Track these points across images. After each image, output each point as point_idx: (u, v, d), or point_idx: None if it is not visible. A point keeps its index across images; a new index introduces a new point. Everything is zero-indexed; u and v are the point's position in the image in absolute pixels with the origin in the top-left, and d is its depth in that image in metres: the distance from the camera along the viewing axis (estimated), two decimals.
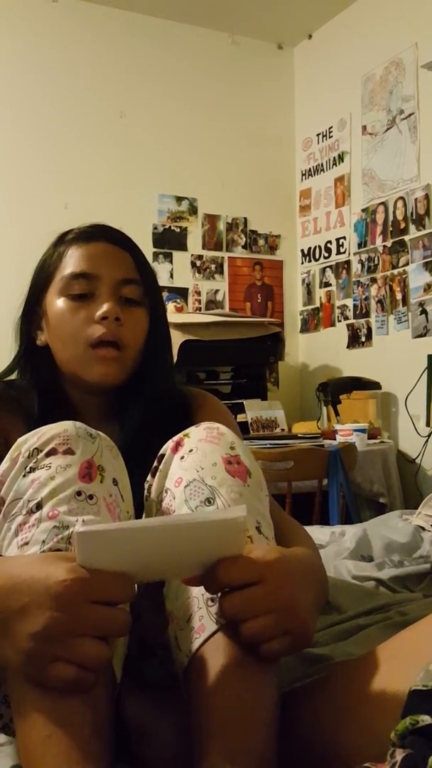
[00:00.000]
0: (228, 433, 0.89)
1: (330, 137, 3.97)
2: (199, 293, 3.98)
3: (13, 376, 1.14)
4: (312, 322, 4.11)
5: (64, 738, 0.66)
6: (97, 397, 1.10)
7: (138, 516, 0.91)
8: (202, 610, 0.76)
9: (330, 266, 3.97)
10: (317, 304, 4.07)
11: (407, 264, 3.40)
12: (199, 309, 3.94)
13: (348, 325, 3.80)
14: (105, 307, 1.03)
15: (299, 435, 3.05)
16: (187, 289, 3.94)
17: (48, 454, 0.81)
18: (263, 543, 0.81)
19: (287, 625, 0.72)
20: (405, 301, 3.41)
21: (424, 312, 3.30)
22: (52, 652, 0.66)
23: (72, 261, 1.07)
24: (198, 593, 0.77)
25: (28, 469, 0.80)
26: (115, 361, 1.04)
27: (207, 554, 0.71)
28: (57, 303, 1.06)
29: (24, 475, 0.80)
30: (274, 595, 0.71)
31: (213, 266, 4.02)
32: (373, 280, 3.62)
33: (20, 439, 0.84)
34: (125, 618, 0.70)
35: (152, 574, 0.75)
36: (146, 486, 0.92)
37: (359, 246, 3.73)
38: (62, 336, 1.06)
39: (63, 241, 1.10)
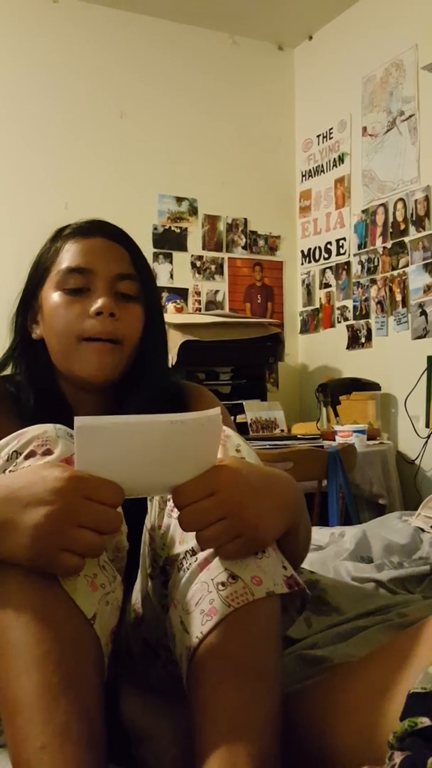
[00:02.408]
0: (234, 436, 0.91)
1: (330, 138, 3.97)
2: (199, 294, 3.98)
3: (8, 371, 1.13)
4: (312, 323, 4.11)
5: (58, 749, 0.66)
6: (94, 394, 1.09)
7: (132, 516, 0.91)
8: (212, 593, 0.76)
9: (330, 267, 3.97)
10: (317, 305, 4.07)
11: (407, 265, 3.40)
12: (199, 309, 3.94)
13: (348, 326, 3.80)
14: (100, 302, 1.03)
15: (299, 436, 3.05)
16: (187, 289, 3.94)
17: (27, 457, 0.81)
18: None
19: (238, 529, 0.77)
20: (405, 302, 3.41)
21: (423, 313, 3.30)
22: (56, 542, 0.71)
23: (68, 255, 1.07)
24: (208, 578, 0.78)
25: (7, 473, 0.80)
26: (109, 354, 1.04)
27: (188, 461, 0.77)
28: (52, 297, 1.06)
29: None
30: (224, 504, 0.76)
31: (213, 267, 4.02)
32: (373, 282, 3.62)
33: (1, 443, 0.84)
34: (116, 515, 0.75)
35: (137, 487, 0.79)
36: None
37: (359, 247, 3.73)
38: (56, 329, 1.05)
39: (60, 236, 1.11)
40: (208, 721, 0.71)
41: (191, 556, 0.81)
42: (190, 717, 0.74)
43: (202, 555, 0.80)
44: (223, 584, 0.76)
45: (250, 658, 0.74)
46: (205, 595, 0.77)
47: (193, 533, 0.78)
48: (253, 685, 0.73)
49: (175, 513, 0.83)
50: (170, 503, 0.86)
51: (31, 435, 0.83)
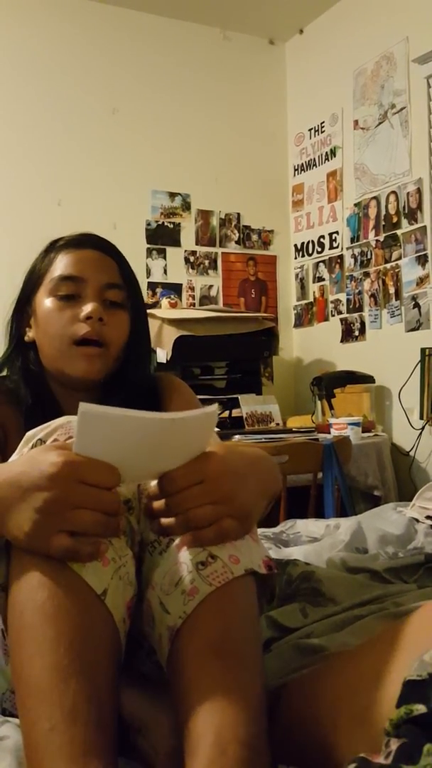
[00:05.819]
0: None
1: (322, 132, 3.97)
2: (192, 289, 3.98)
3: (4, 373, 1.21)
4: (306, 316, 4.12)
5: (66, 731, 0.67)
6: (80, 393, 1.15)
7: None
8: (192, 573, 0.78)
9: (323, 261, 3.97)
10: (311, 299, 4.08)
11: (400, 258, 3.41)
12: (193, 305, 3.94)
13: (341, 320, 3.81)
14: (90, 307, 1.11)
15: (294, 429, 3.06)
16: (181, 284, 3.94)
17: None
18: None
19: (229, 513, 0.79)
20: (398, 295, 3.42)
21: (416, 306, 3.31)
22: (53, 525, 0.74)
23: (61, 265, 1.15)
24: (186, 558, 0.79)
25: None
26: (97, 358, 1.12)
27: (181, 451, 0.78)
28: (45, 302, 1.14)
29: None
30: (214, 490, 0.78)
31: (206, 262, 4.02)
32: (366, 275, 3.63)
33: (29, 433, 0.87)
34: (114, 498, 0.76)
35: (132, 474, 0.80)
36: None
37: (352, 240, 3.74)
38: (48, 333, 1.14)
39: (54, 247, 1.19)
40: (195, 704, 0.71)
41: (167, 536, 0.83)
42: (173, 698, 0.74)
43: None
44: (202, 563, 0.78)
45: (232, 638, 0.75)
46: (185, 575, 0.78)
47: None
48: (237, 667, 0.74)
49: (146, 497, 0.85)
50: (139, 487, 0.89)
51: (57, 424, 0.86)
